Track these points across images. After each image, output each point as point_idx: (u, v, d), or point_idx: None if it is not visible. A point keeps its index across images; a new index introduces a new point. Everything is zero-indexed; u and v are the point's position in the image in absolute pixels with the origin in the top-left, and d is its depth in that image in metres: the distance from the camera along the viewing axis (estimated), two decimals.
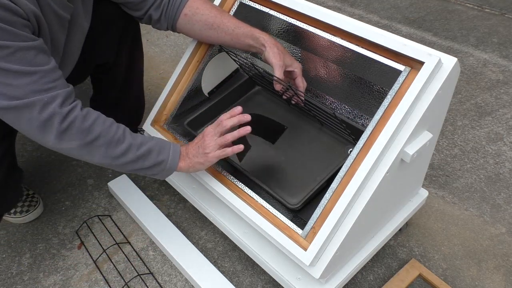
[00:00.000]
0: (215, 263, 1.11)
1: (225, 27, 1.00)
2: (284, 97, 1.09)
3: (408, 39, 0.82)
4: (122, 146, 0.85)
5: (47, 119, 0.78)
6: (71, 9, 0.90)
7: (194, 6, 1.01)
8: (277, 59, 0.96)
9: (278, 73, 0.95)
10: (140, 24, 1.17)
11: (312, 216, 0.83)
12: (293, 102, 1.09)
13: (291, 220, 0.88)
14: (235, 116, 0.93)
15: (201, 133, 0.96)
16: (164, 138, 1.09)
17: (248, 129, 0.92)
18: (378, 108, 0.81)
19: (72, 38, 0.96)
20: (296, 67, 1.00)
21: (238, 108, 0.94)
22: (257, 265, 1.03)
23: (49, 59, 0.80)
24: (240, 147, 0.92)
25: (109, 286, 1.07)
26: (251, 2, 1.07)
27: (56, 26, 0.86)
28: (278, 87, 0.97)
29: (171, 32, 1.08)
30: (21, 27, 0.74)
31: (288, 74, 1.02)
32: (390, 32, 0.87)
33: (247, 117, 0.93)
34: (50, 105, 0.78)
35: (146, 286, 1.06)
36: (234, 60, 1.15)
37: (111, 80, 1.23)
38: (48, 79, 0.78)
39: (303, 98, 1.02)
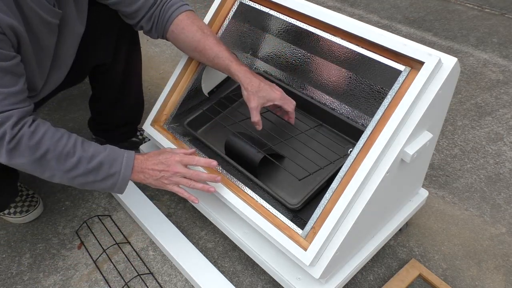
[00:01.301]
0: (215, 263, 1.10)
1: (206, 54, 1.01)
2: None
3: (408, 39, 0.82)
4: (73, 159, 0.84)
5: None
6: (59, 14, 0.90)
7: (180, 25, 1.01)
8: (250, 102, 0.97)
9: (253, 117, 0.98)
10: None
11: (312, 216, 0.84)
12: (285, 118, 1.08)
13: (291, 220, 0.88)
14: (209, 163, 0.94)
15: (166, 155, 0.93)
16: (163, 138, 1.08)
17: (212, 190, 0.94)
18: (378, 108, 0.81)
19: (64, 42, 0.96)
20: (275, 99, 0.98)
21: (214, 163, 0.94)
22: (257, 265, 1.03)
23: (17, 81, 0.80)
24: (195, 201, 0.95)
25: (109, 286, 1.07)
26: (251, 2, 1.07)
27: (44, 31, 0.87)
28: (258, 128, 1.00)
29: None
30: None
31: (274, 105, 1.01)
32: (390, 32, 0.87)
33: (214, 164, 0.93)
34: (3, 125, 0.78)
35: (146, 286, 1.06)
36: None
37: (109, 80, 1.23)
38: (9, 101, 0.78)
39: (293, 119, 1.05)
